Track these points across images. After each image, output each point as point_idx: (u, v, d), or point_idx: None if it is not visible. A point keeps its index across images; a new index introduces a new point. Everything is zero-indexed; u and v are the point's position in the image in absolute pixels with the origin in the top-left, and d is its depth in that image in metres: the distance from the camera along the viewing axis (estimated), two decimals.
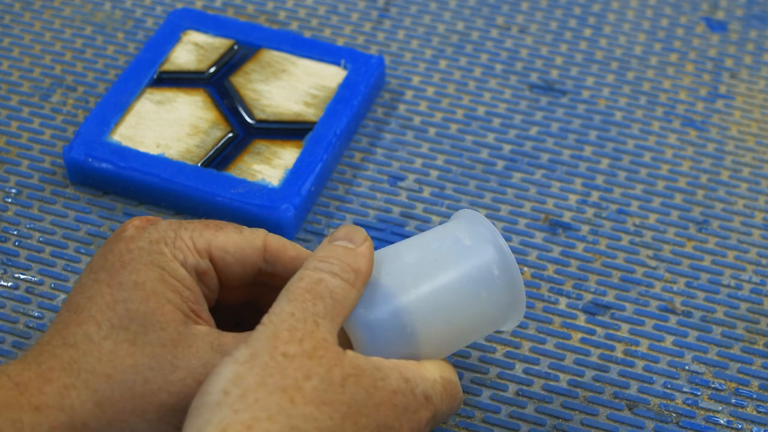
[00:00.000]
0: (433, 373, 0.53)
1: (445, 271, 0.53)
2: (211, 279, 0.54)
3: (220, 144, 0.69)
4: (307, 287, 0.51)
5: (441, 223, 0.67)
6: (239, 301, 0.57)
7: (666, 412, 0.59)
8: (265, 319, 0.50)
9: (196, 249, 0.54)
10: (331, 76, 0.73)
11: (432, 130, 0.73)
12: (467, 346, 0.62)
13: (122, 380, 0.50)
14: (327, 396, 0.48)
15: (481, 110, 0.74)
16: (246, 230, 0.55)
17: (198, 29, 0.75)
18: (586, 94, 0.75)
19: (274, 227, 0.65)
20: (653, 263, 0.66)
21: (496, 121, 0.73)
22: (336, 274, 0.51)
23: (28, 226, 0.67)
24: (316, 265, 0.52)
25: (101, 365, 0.50)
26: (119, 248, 0.53)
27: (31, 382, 0.50)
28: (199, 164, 0.68)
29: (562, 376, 0.61)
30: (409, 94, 0.75)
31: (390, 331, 0.52)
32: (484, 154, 0.71)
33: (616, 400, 0.60)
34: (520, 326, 0.63)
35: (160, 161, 0.68)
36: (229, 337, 0.52)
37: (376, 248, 0.54)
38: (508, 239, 0.67)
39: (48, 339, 0.51)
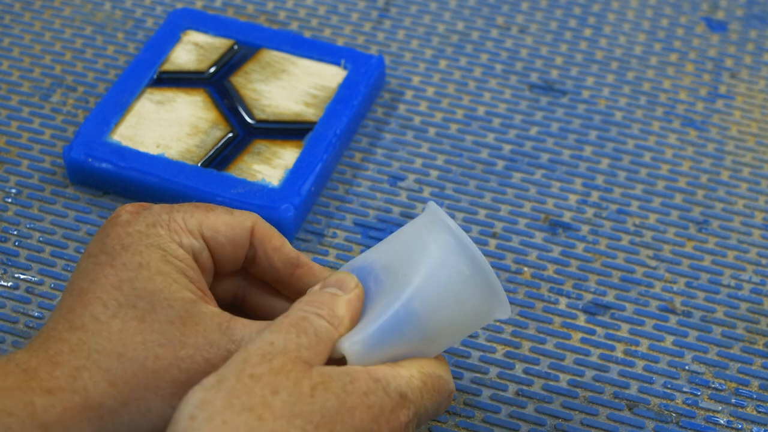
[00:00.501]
0: (410, 369, 0.52)
1: (415, 283, 0.52)
2: (206, 261, 0.55)
3: (220, 144, 0.69)
4: (292, 322, 0.51)
5: None
6: (225, 299, 0.57)
7: (666, 412, 0.59)
8: (242, 346, 0.50)
9: (188, 230, 0.54)
10: (331, 76, 0.73)
11: (432, 130, 0.73)
12: (467, 346, 0.62)
13: (133, 357, 0.50)
14: (297, 408, 0.47)
15: (481, 110, 0.74)
16: (236, 212, 0.56)
17: (198, 29, 0.75)
18: (586, 94, 0.75)
19: (274, 227, 0.65)
20: (653, 263, 0.66)
21: (496, 121, 0.73)
22: (321, 315, 0.51)
23: (28, 226, 0.67)
24: (302, 306, 0.52)
25: (111, 344, 0.50)
26: (117, 232, 0.53)
27: (40, 368, 0.49)
28: (199, 164, 0.68)
29: (562, 376, 0.61)
30: (409, 94, 0.75)
31: (369, 357, 0.52)
32: (484, 154, 0.71)
33: (616, 400, 0.60)
34: (520, 326, 0.63)
35: (160, 161, 0.68)
36: (239, 322, 0.52)
37: None
38: (508, 239, 0.67)
39: (53, 325, 0.51)
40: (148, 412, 0.50)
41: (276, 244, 0.56)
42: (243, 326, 0.52)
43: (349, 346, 0.51)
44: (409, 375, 0.52)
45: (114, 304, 0.51)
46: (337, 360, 0.52)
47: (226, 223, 0.55)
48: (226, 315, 0.52)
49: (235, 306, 0.58)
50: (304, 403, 0.48)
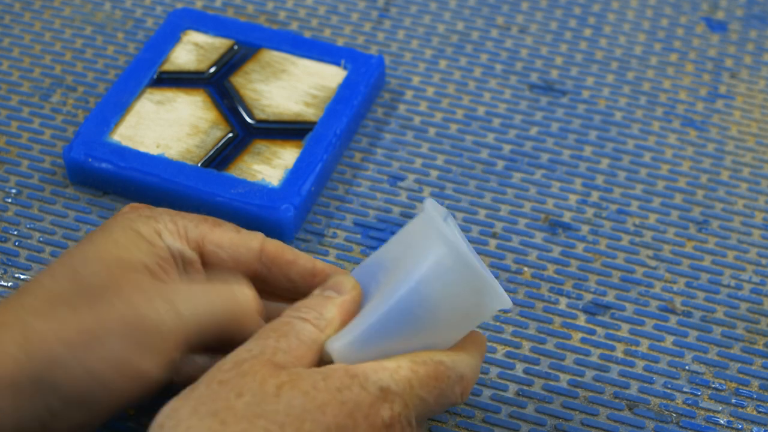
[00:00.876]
0: (398, 360, 0.51)
1: (407, 286, 0.52)
2: (196, 272, 0.54)
3: (220, 144, 0.69)
4: (273, 327, 0.51)
5: None
6: None
7: (666, 412, 0.59)
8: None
9: (186, 238, 0.54)
10: (331, 76, 0.73)
11: (432, 130, 0.73)
12: None
13: (70, 309, 0.50)
14: (260, 408, 0.47)
15: (481, 110, 0.74)
16: (244, 232, 0.55)
17: (198, 29, 0.75)
18: (586, 94, 0.75)
19: (274, 227, 0.65)
20: (653, 263, 0.66)
21: (496, 121, 0.73)
22: (306, 319, 0.51)
23: (28, 226, 0.67)
24: (289, 312, 0.52)
25: (49, 300, 0.50)
26: (109, 221, 0.54)
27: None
28: (199, 164, 0.68)
29: (562, 376, 0.61)
30: (409, 94, 0.75)
31: (357, 358, 0.51)
32: (484, 154, 0.71)
33: (616, 400, 0.60)
34: (520, 326, 0.63)
35: (160, 161, 0.68)
36: (182, 284, 0.52)
37: (374, 249, 0.54)
38: (508, 239, 0.67)
39: (16, 296, 0.52)
40: (110, 354, 0.50)
41: (289, 258, 0.55)
42: (184, 285, 0.53)
43: (336, 347, 0.51)
44: (395, 366, 0.50)
45: (60, 273, 0.51)
46: (327, 363, 0.51)
47: (231, 241, 0.55)
48: (175, 285, 0.52)
49: None
50: (268, 403, 0.47)
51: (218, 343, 0.53)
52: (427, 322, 0.52)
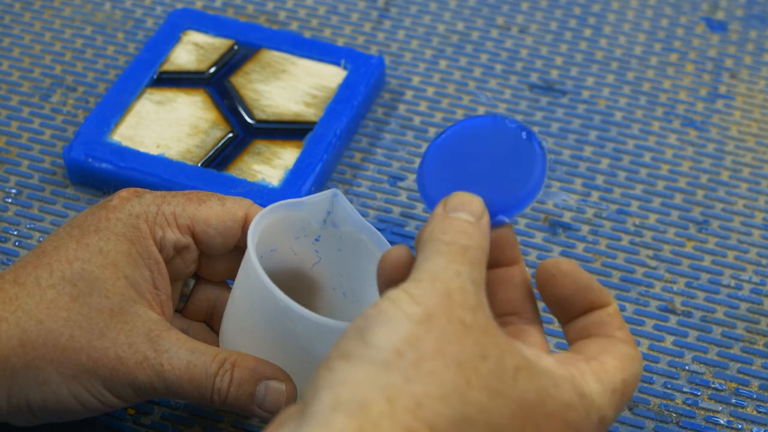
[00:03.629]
0: (614, 376, 0.46)
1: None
2: (190, 252, 0.55)
3: (220, 144, 0.69)
4: (458, 250, 0.45)
5: None
6: (217, 276, 0.58)
7: (666, 412, 0.59)
8: (423, 273, 0.44)
9: (177, 225, 0.55)
10: (331, 76, 0.73)
11: (432, 130, 0.73)
12: None
13: (51, 329, 0.51)
14: (500, 386, 0.41)
15: (481, 110, 0.74)
16: (229, 201, 0.56)
17: (198, 29, 0.75)
18: (586, 94, 0.75)
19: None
20: (653, 263, 0.66)
21: None
22: (475, 248, 0.46)
23: (28, 226, 0.67)
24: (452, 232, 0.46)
25: (37, 309, 0.51)
26: (100, 214, 0.54)
27: None
28: (199, 164, 0.68)
29: None
30: (409, 94, 0.75)
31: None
32: None
33: None
34: None
35: (160, 161, 0.68)
36: (172, 334, 0.52)
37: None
38: None
39: (6, 273, 0.53)
40: (44, 383, 0.51)
41: None
42: (175, 340, 0.52)
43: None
44: (612, 388, 0.45)
45: (59, 275, 0.52)
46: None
47: (218, 216, 0.55)
48: (164, 325, 0.52)
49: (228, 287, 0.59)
50: (506, 384, 0.42)
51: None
52: (248, 321, 0.53)
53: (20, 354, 0.51)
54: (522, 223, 0.68)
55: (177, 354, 0.51)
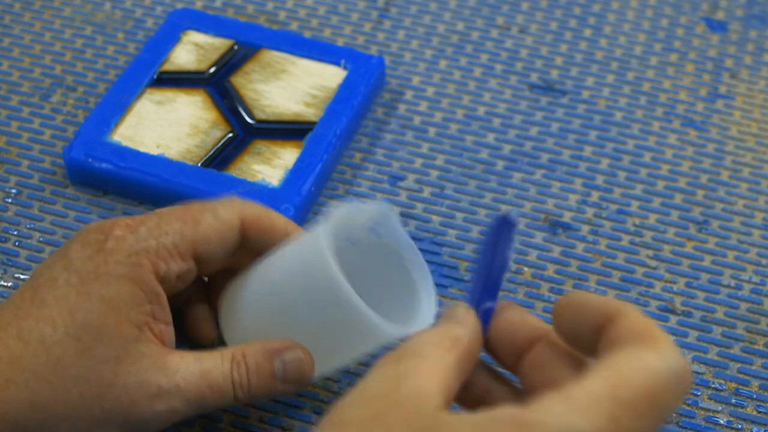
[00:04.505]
0: (591, 394, 0.40)
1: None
2: (191, 273, 0.55)
3: (220, 144, 0.69)
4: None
5: (441, 223, 0.67)
6: (217, 269, 0.58)
7: None
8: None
9: (179, 254, 0.54)
10: (331, 76, 0.73)
11: (432, 130, 0.73)
12: None
13: (61, 388, 0.51)
14: None
15: (481, 110, 0.74)
16: (220, 209, 0.56)
17: (198, 29, 0.75)
18: (586, 94, 0.75)
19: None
20: (653, 263, 0.66)
21: (496, 121, 0.73)
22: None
23: (28, 226, 0.67)
24: None
25: (45, 370, 0.51)
26: (98, 259, 0.53)
27: None
28: (199, 164, 0.68)
29: None
30: (409, 94, 0.75)
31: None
32: (484, 154, 0.71)
33: None
34: None
35: (160, 161, 0.68)
36: (176, 355, 0.52)
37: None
38: None
39: (6, 323, 0.52)
40: None
41: (266, 226, 0.56)
42: (180, 358, 0.52)
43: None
44: (585, 407, 0.40)
45: (62, 330, 0.51)
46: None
47: (216, 231, 0.55)
48: (163, 351, 0.52)
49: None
50: None
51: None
52: (285, 305, 0.53)
53: (31, 416, 0.50)
54: (522, 223, 0.68)
55: (188, 369, 0.52)
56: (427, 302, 0.54)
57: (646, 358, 0.42)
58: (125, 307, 0.52)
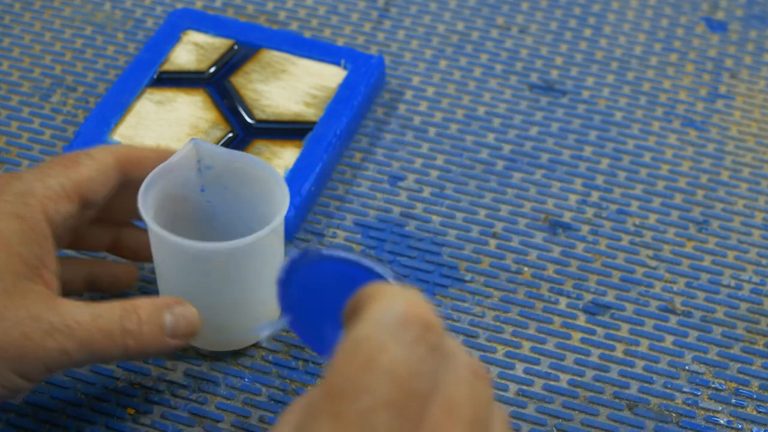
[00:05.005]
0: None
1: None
2: (75, 217, 0.56)
3: (220, 144, 0.69)
4: None
5: (441, 223, 0.67)
6: (101, 247, 0.60)
7: (666, 412, 0.59)
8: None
9: (66, 195, 0.55)
10: (331, 76, 0.73)
11: (432, 130, 0.73)
12: (469, 346, 0.62)
13: None
14: None
15: (481, 110, 0.74)
16: (94, 152, 0.57)
17: (198, 29, 0.75)
18: (586, 94, 0.75)
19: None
20: (653, 263, 0.66)
21: (496, 121, 0.73)
22: None
23: None
24: None
25: None
26: None
27: None
28: None
29: (562, 376, 0.61)
30: (409, 94, 0.75)
31: None
32: (484, 154, 0.71)
33: (616, 400, 0.60)
34: (520, 326, 0.63)
35: None
36: (66, 300, 0.53)
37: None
38: (508, 239, 0.67)
39: None
40: None
41: (137, 157, 0.58)
42: (70, 303, 0.53)
43: None
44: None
45: None
46: None
47: (97, 170, 0.56)
48: (55, 294, 0.53)
49: (114, 253, 0.61)
50: None
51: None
52: (161, 270, 0.58)
53: None
54: (522, 223, 0.68)
55: (79, 311, 0.52)
56: (281, 198, 0.56)
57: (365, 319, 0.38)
58: (15, 243, 0.53)
